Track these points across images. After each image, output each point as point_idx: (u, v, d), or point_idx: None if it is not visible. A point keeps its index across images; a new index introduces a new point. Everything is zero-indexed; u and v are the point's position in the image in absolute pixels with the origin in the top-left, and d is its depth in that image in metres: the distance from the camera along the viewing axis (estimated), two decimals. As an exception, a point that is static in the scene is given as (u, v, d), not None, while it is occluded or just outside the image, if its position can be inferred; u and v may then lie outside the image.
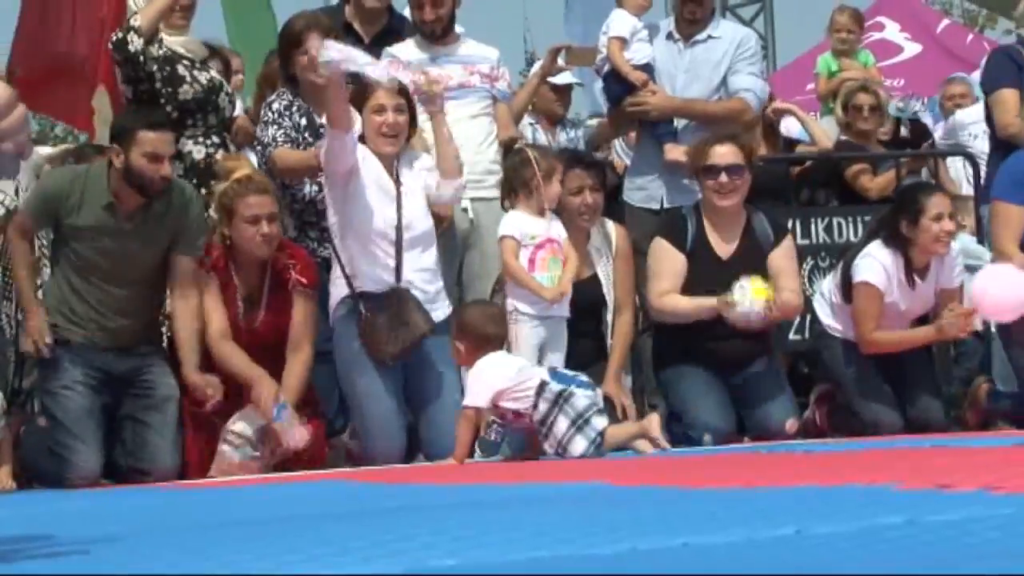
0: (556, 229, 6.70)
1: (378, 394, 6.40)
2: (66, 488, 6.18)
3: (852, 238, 7.73)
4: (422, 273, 6.54)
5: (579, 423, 5.56)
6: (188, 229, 6.43)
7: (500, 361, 5.77)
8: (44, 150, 7.74)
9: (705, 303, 6.73)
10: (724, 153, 6.90)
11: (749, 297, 6.62)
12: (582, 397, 5.56)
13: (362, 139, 6.62)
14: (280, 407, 6.17)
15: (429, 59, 7.21)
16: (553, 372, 5.77)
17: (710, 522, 2.32)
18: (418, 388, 6.52)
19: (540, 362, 6.42)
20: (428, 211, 6.64)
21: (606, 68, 7.60)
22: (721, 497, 2.99)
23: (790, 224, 7.45)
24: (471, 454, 5.80)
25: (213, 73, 7.12)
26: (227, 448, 6.21)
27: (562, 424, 5.56)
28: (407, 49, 7.28)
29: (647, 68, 7.57)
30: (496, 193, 7.12)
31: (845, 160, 8.29)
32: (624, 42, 7.57)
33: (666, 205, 7.48)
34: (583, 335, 6.88)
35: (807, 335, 7.47)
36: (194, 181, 6.88)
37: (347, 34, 7.16)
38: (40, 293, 6.71)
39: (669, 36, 7.68)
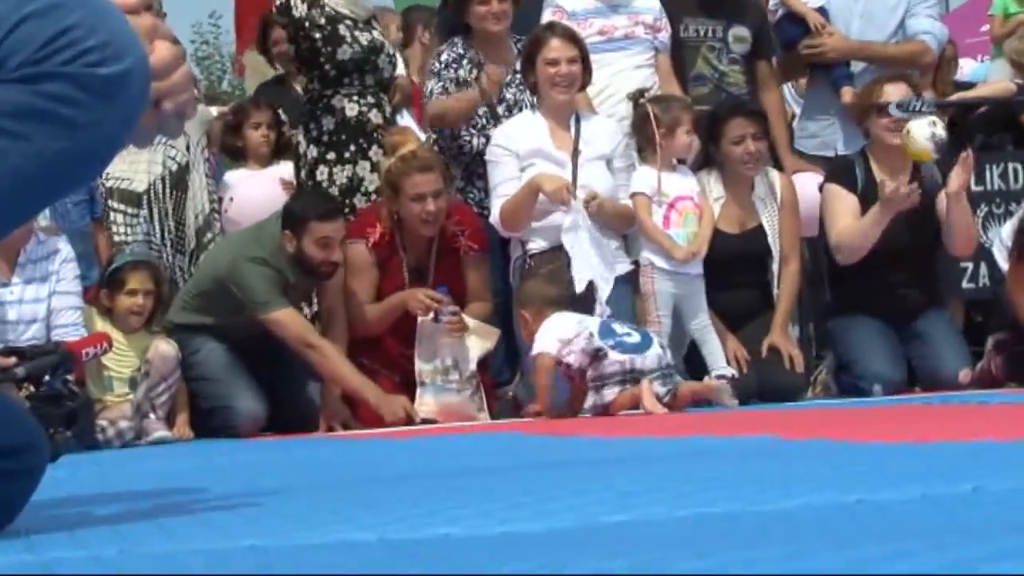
0: (689, 184, 6.66)
1: None
2: (237, 437, 6.34)
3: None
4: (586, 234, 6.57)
5: (597, 385, 5.85)
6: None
7: (563, 316, 5.97)
8: (213, 109, 7.87)
9: (876, 208, 6.65)
10: (897, 90, 6.82)
11: (915, 133, 6.53)
12: (614, 363, 5.79)
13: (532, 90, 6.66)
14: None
15: (598, 8, 7.18)
16: (603, 326, 5.90)
17: (884, 478, 2.28)
18: None
19: (683, 322, 6.46)
20: (606, 172, 6.66)
21: (780, 11, 7.51)
22: (894, 451, 2.95)
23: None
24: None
25: (375, 34, 7.18)
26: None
27: (589, 377, 5.88)
28: None
29: (821, 12, 7.47)
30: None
31: (1020, 104, 8.10)
32: None
33: (841, 151, 7.38)
34: (748, 286, 6.86)
35: (981, 283, 7.34)
36: (343, 137, 6.94)
37: None
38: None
39: (843, -20, 7.57)
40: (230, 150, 7.71)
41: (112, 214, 7.37)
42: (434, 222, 6.57)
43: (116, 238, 7.34)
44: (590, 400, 5.93)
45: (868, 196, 6.84)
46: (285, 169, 7.51)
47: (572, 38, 6.73)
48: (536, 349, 5.98)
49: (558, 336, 5.92)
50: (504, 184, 6.63)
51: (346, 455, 4.63)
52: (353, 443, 5.46)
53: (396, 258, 6.71)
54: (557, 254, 6.55)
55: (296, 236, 6.46)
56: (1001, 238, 7.10)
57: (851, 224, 6.78)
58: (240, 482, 3.42)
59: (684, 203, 6.67)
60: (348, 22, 7.08)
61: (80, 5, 1.89)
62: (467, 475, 3.06)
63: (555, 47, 6.66)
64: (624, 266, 6.70)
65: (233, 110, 7.78)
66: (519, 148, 6.62)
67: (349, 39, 7.03)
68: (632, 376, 5.85)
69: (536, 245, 6.62)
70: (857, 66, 7.51)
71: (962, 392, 6.39)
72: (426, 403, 6.55)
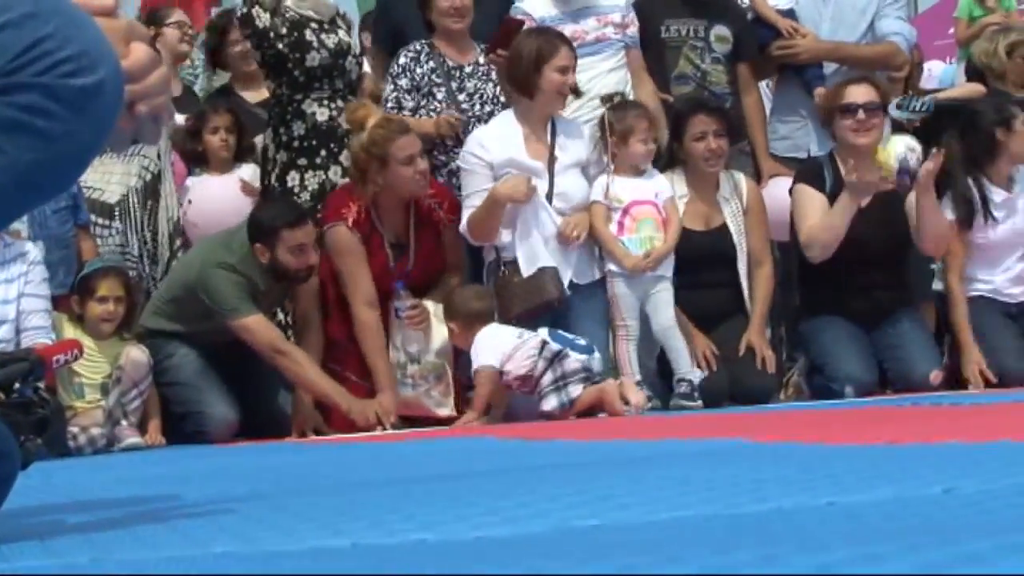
0: (652, 188, 6.67)
1: None
2: (209, 443, 6.33)
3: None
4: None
5: (559, 384, 6.00)
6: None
7: (497, 329, 6.19)
8: (180, 117, 7.83)
9: (841, 201, 6.70)
10: (861, 91, 6.86)
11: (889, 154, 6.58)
12: (574, 360, 6.01)
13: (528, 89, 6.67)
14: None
15: (562, 15, 7.18)
16: (553, 333, 6.11)
17: (855, 480, 2.29)
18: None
19: (654, 326, 6.51)
20: (581, 179, 6.68)
21: (751, 15, 7.54)
22: (865, 453, 2.96)
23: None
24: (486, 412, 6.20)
25: (341, 35, 7.17)
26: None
27: (546, 380, 6.01)
28: (540, 4, 7.26)
29: (790, 14, 7.50)
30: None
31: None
32: None
33: (815, 153, 7.41)
34: (718, 285, 6.87)
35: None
36: (314, 142, 6.93)
37: None
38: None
39: (813, -18, 7.59)
40: (191, 155, 7.69)
41: (86, 224, 7.33)
42: (426, 181, 6.62)
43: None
44: (555, 400, 6.03)
45: (836, 197, 6.86)
46: (246, 172, 7.50)
47: (573, 48, 6.79)
48: (477, 363, 6.14)
49: (498, 349, 6.10)
50: (475, 195, 6.63)
51: (319, 461, 4.63)
52: (325, 448, 5.46)
53: (376, 236, 6.72)
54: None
55: (269, 247, 6.45)
56: None
57: (823, 220, 6.80)
58: (212, 488, 3.41)
59: (640, 208, 6.67)
60: (313, 25, 7.07)
61: (55, 15, 1.88)
62: (441, 480, 3.06)
63: (565, 56, 6.69)
64: (597, 271, 6.72)
65: (192, 115, 7.74)
66: (493, 158, 6.62)
67: (316, 44, 7.01)
68: (590, 376, 6.06)
69: (510, 253, 6.62)
70: (828, 68, 7.54)
71: (933, 393, 6.42)
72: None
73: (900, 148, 6.65)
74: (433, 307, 6.60)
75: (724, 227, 6.96)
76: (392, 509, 2.23)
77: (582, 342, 6.18)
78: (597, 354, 6.20)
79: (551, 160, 6.65)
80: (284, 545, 1.87)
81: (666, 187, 6.75)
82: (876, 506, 1.89)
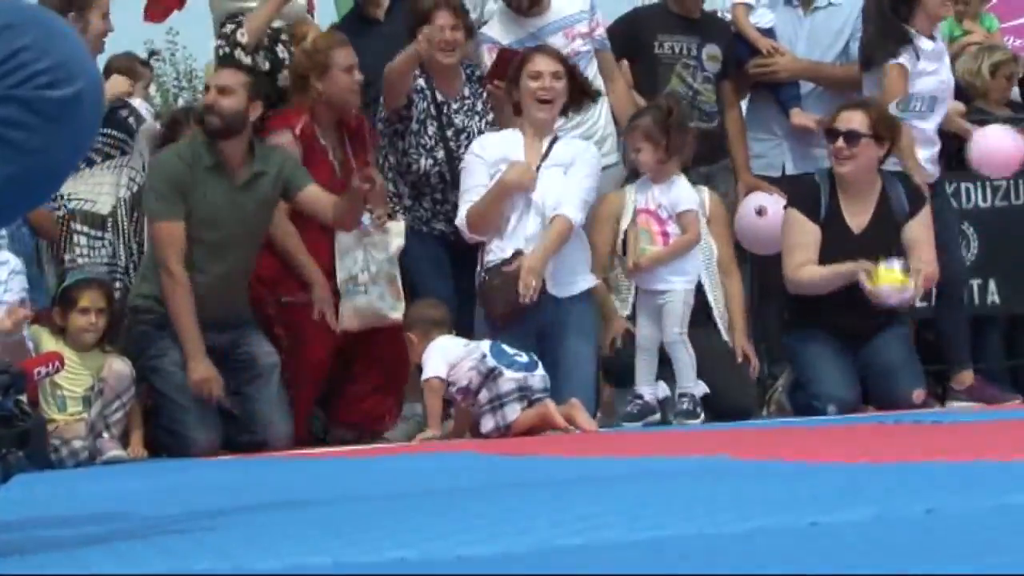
0: (662, 199, 6.65)
1: None
2: (191, 456, 6.31)
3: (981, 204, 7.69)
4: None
5: (495, 404, 5.94)
6: (296, 169, 6.58)
7: (448, 340, 6.17)
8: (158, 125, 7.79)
9: (843, 269, 6.67)
10: (848, 118, 6.83)
11: (889, 283, 6.56)
12: (509, 380, 5.94)
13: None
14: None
15: (522, 38, 7.14)
16: (494, 347, 6.05)
17: (837, 499, 2.29)
18: (552, 354, 6.57)
19: (663, 336, 6.49)
20: (562, 178, 6.67)
21: (733, 28, 7.56)
22: (847, 472, 2.96)
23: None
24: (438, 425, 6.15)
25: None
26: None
27: (483, 398, 5.97)
28: (497, 30, 7.23)
29: (769, 33, 7.51)
30: (614, 159, 7.13)
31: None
32: (749, 8, 7.52)
33: (789, 172, 7.40)
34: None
35: (933, 302, 7.36)
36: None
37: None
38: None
39: (788, 2, 7.61)
40: None
41: (75, 236, 7.26)
42: (359, 96, 6.77)
43: (80, 260, 7.23)
44: (491, 422, 6.00)
45: (830, 225, 6.79)
46: None
47: (557, 56, 6.75)
48: (425, 374, 6.12)
49: (445, 359, 6.09)
50: (472, 190, 6.65)
51: (300, 476, 4.62)
52: (307, 463, 5.45)
53: (319, 147, 6.82)
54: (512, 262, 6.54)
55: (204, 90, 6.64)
56: None
57: (810, 268, 6.73)
58: (194, 504, 3.40)
59: (642, 217, 6.66)
60: (284, 37, 7.14)
61: (33, 26, 1.88)
62: (422, 496, 3.05)
63: (539, 62, 6.67)
64: (587, 281, 6.68)
65: (166, 123, 7.68)
66: (489, 156, 6.65)
67: (288, 60, 7.08)
68: (526, 394, 5.98)
69: (493, 256, 6.61)
70: (804, 87, 7.56)
71: (915, 411, 6.42)
72: (344, 315, 6.69)
73: (895, 278, 6.55)
74: (368, 218, 6.72)
75: None
76: (373, 526, 2.22)
77: (524, 359, 6.10)
78: (540, 371, 6.10)
79: (538, 167, 6.63)
80: (265, 562, 1.87)
81: (684, 199, 6.65)
82: (858, 526, 1.89)
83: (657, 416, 6.52)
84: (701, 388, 6.54)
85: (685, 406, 6.45)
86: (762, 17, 7.57)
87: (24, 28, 1.86)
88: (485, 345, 6.11)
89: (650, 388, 6.55)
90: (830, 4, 7.62)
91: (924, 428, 4.88)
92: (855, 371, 6.82)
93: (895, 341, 6.86)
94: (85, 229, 7.25)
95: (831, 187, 6.85)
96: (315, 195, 6.57)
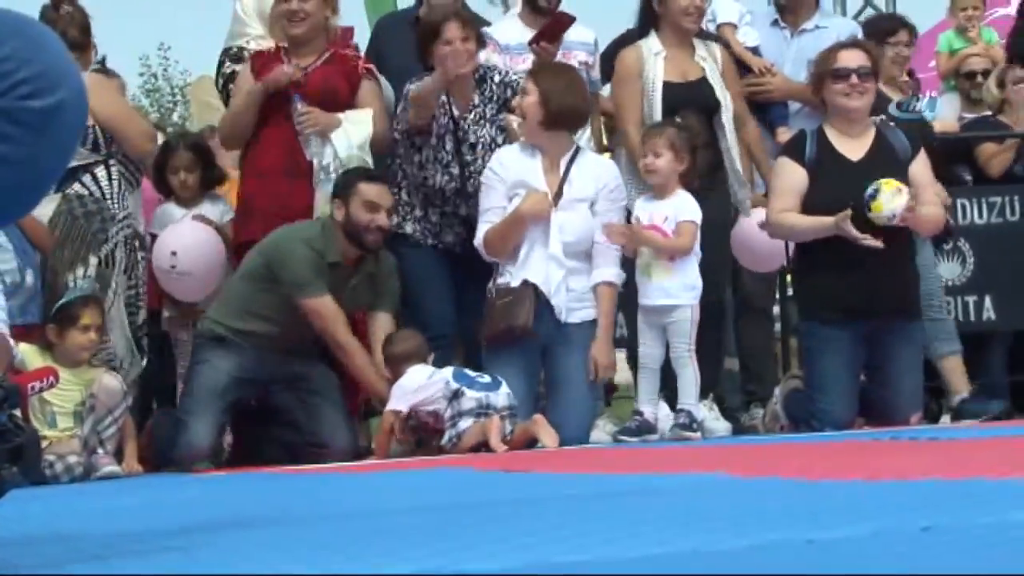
0: (666, 212, 6.63)
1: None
2: (179, 466, 6.34)
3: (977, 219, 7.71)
4: (558, 270, 6.59)
5: (455, 420, 6.23)
6: (390, 291, 6.76)
7: (415, 371, 6.40)
8: None
9: (823, 221, 6.64)
10: (853, 56, 6.86)
11: (887, 195, 6.51)
12: (470, 399, 6.23)
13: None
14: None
15: (521, 43, 7.21)
16: (457, 371, 6.37)
17: (834, 516, 2.29)
18: (553, 373, 6.63)
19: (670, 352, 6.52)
20: (587, 214, 6.67)
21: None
22: (844, 489, 2.96)
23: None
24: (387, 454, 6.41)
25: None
26: None
27: (447, 416, 6.27)
28: (510, 29, 7.27)
29: (754, 51, 7.56)
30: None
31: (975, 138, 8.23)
32: (734, 28, 7.57)
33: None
34: (705, 145, 6.92)
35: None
36: None
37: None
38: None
39: (775, 23, 7.64)
40: (158, 187, 7.66)
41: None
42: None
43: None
44: (447, 435, 6.28)
45: (819, 163, 6.72)
46: (209, 209, 7.47)
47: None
48: (387, 407, 6.37)
49: (410, 389, 6.32)
50: (491, 211, 6.65)
51: (295, 491, 4.61)
52: (303, 479, 5.44)
53: (279, 60, 7.01)
54: (519, 288, 6.55)
55: (344, 201, 6.59)
56: None
57: (792, 215, 6.69)
58: (189, 520, 3.39)
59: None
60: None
61: (14, 35, 1.86)
62: (420, 512, 3.05)
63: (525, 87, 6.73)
64: (587, 312, 6.67)
65: (160, 148, 7.65)
66: (507, 176, 6.66)
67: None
68: (485, 411, 6.22)
69: (503, 281, 6.63)
70: (792, 107, 7.58)
71: (912, 428, 6.41)
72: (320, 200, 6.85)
73: (898, 204, 6.48)
74: (344, 115, 6.88)
75: (703, 80, 7.02)
76: (371, 542, 2.22)
77: (486, 379, 6.32)
78: (504, 389, 6.28)
79: (558, 194, 6.64)
80: (262, 579, 1.86)
81: (686, 211, 6.64)
82: (855, 543, 1.89)
83: (655, 436, 6.52)
84: (702, 411, 6.56)
85: (683, 420, 6.45)
86: (747, 36, 7.59)
87: (4, 37, 1.84)
88: (448, 371, 6.38)
89: (651, 407, 6.56)
90: (817, 27, 7.64)
91: (921, 445, 4.88)
92: (857, 386, 6.75)
93: (909, 356, 6.70)
94: None
95: (820, 135, 6.78)
96: (381, 323, 6.71)
